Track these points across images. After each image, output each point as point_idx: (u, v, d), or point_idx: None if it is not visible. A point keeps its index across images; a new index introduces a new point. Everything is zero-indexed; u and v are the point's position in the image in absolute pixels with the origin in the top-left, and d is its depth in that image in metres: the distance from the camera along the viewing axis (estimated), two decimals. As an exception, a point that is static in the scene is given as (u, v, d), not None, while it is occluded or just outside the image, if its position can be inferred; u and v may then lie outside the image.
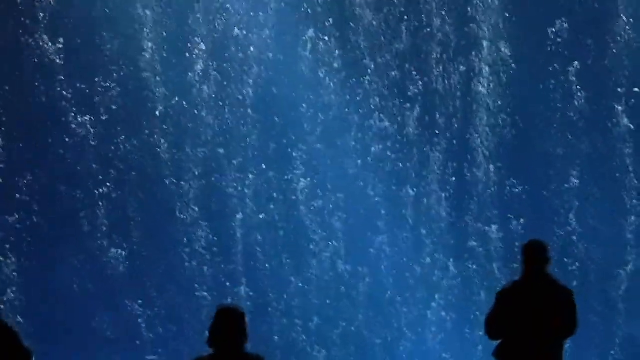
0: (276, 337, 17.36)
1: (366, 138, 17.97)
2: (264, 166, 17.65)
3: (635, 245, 17.78)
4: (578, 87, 17.94)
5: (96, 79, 17.20)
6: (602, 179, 17.95)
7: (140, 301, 17.08)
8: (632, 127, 17.90)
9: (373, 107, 17.99)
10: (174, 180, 17.36)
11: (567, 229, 17.91)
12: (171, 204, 17.34)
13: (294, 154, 17.73)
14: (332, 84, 17.82)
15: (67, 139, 17.10)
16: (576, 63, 17.96)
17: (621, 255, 17.76)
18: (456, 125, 18.03)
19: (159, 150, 17.36)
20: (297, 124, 17.81)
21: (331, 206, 17.75)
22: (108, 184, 17.24)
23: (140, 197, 17.31)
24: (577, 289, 17.03)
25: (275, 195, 17.68)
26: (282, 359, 17.23)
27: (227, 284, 17.42)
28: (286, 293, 17.59)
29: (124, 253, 17.15)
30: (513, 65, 17.95)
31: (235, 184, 17.53)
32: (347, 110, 17.94)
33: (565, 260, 17.72)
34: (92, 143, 17.19)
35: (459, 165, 18.03)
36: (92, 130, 17.19)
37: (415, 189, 17.92)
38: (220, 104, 17.57)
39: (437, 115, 18.05)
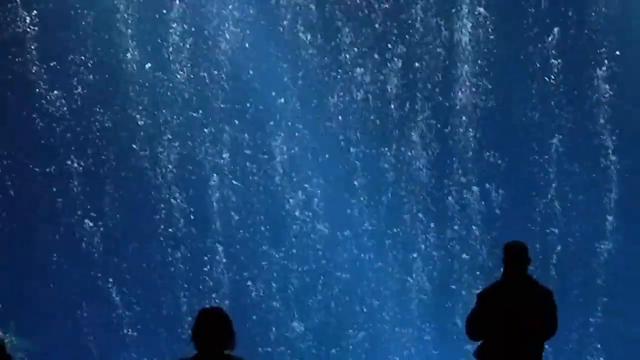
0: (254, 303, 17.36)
1: (346, 99, 17.78)
2: (240, 129, 17.54)
3: (615, 216, 17.68)
4: (556, 54, 17.83)
5: (70, 56, 17.03)
6: (581, 149, 17.83)
7: (114, 279, 17.07)
8: (611, 93, 17.75)
9: (353, 68, 17.74)
10: (149, 152, 17.28)
11: (547, 200, 17.82)
12: (147, 173, 17.25)
13: (270, 119, 17.59)
14: (310, 42, 17.59)
15: (40, 115, 16.92)
16: (556, 30, 17.80)
17: (601, 226, 17.71)
18: (437, 89, 17.87)
19: (134, 122, 17.22)
20: (275, 85, 17.59)
21: (310, 172, 17.64)
22: (83, 159, 17.04)
23: (115, 169, 17.23)
24: (557, 259, 17.60)
25: (251, 159, 17.57)
26: (261, 327, 17.32)
27: (204, 250, 17.35)
28: (263, 259, 17.56)
29: (99, 227, 17.01)
30: (492, 34, 17.77)
31: (210, 150, 17.41)
32: (326, 70, 17.73)
33: (546, 231, 17.66)
34: (67, 117, 17.03)
35: (440, 128, 17.88)
36: (66, 105, 16.99)
37: (395, 151, 17.81)
38: (196, 69, 17.41)
39: (418, 75, 17.86)
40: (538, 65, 17.88)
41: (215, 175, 17.42)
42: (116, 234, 17.24)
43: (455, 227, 17.72)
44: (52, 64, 16.96)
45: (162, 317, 17.25)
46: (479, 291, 9.75)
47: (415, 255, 17.69)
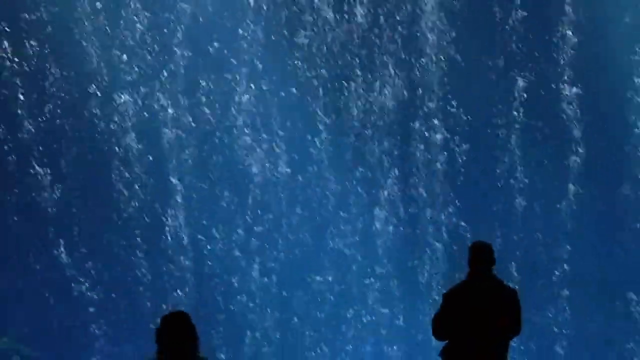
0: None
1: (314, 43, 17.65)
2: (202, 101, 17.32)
3: (578, 175, 17.74)
4: (520, 12, 17.60)
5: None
6: (545, 110, 17.80)
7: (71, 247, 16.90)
8: (573, 51, 17.63)
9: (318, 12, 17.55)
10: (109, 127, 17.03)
11: (510, 160, 17.78)
12: (109, 145, 17.08)
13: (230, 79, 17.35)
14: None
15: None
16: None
17: (564, 188, 17.74)
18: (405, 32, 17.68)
19: (93, 98, 17.06)
20: (235, 53, 17.38)
21: (275, 145, 17.43)
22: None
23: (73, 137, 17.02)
24: (521, 218, 17.67)
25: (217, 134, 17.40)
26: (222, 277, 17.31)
27: (165, 220, 17.18)
28: (223, 209, 17.47)
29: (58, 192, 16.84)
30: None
31: (171, 124, 17.19)
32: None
33: (508, 191, 17.69)
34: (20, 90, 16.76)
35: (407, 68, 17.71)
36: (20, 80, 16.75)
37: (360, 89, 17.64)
38: (153, 45, 17.18)
39: (384, 26, 17.71)
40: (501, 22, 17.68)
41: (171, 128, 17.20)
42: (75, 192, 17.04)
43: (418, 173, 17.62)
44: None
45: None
46: (445, 291, 9.86)
47: (380, 196, 17.64)
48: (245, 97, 17.42)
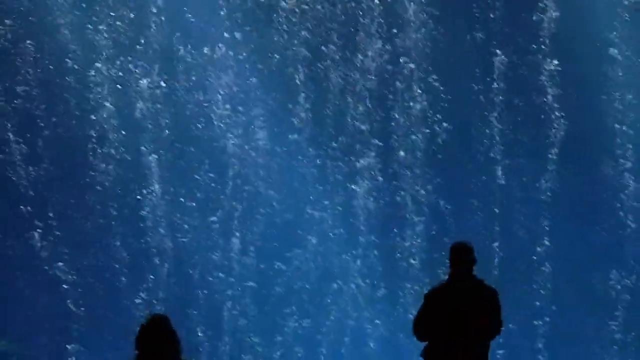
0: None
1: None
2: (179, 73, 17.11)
3: (558, 151, 17.70)
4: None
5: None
6: (524, 86, 17.78)
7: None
8: (553, 26, 17.57)
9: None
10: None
11: (489, 138, 17.75)
12: (84, 121, 16.95)
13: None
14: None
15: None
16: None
17: (543, 164, 17.71)
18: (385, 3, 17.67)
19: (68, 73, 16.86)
20: (213, 24, 17.25)
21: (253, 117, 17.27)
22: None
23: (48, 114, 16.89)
24: (500, 192, 17.68)
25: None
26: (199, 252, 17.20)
27: (142, 198, 17.08)
28: (204, 204, 17.32)
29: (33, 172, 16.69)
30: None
31: (147, 97, 17.05)
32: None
33: (487, 166, 17.70)
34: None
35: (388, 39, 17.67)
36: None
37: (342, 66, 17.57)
38: (129, 15, 17.00)
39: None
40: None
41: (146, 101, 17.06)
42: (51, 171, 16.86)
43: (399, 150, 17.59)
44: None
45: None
46: (426, 292, 9.90)
47: (360, 168, 17.59)
48: (223, 69, 17.28)
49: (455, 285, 9.63)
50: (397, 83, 17.67)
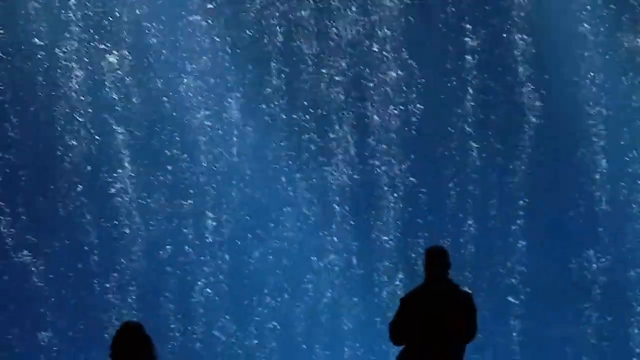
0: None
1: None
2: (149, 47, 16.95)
3: (531, 138, 17.72)
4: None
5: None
6: (497, 66, 17.79)
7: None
8: (526, 1, 17.56)
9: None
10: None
11: (463, 118, 17.73)
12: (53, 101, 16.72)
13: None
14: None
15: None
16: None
17: (521, 149, 17.77)
18: None
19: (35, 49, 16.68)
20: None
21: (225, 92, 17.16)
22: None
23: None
24: (475, 172, 17.66)
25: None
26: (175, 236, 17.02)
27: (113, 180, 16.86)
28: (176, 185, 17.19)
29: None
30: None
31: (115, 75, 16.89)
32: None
33: (465, 148, 17.70)
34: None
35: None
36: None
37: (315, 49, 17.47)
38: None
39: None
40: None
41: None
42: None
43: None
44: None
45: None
46: (402, 296, 10.10)
47: (334, 147, 17.56)
48: (194, 42, 17.10)
49: (430, 288, 9.78)
50: (372, 56, 17.58)
